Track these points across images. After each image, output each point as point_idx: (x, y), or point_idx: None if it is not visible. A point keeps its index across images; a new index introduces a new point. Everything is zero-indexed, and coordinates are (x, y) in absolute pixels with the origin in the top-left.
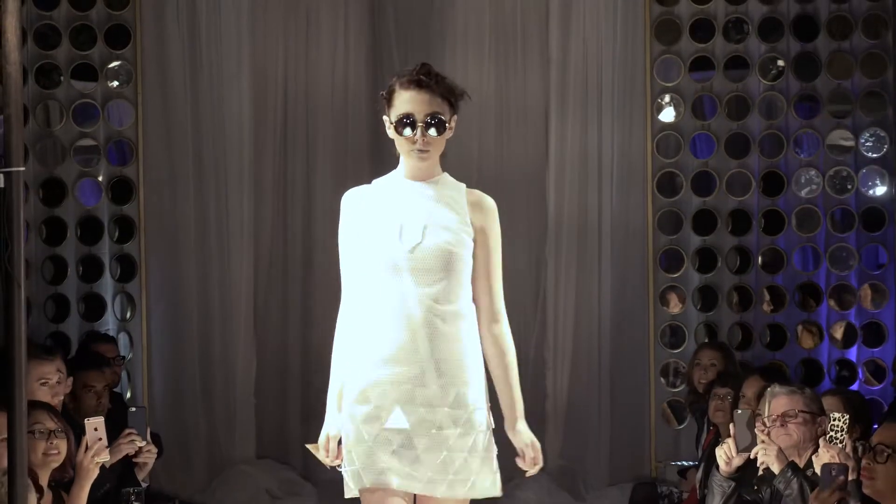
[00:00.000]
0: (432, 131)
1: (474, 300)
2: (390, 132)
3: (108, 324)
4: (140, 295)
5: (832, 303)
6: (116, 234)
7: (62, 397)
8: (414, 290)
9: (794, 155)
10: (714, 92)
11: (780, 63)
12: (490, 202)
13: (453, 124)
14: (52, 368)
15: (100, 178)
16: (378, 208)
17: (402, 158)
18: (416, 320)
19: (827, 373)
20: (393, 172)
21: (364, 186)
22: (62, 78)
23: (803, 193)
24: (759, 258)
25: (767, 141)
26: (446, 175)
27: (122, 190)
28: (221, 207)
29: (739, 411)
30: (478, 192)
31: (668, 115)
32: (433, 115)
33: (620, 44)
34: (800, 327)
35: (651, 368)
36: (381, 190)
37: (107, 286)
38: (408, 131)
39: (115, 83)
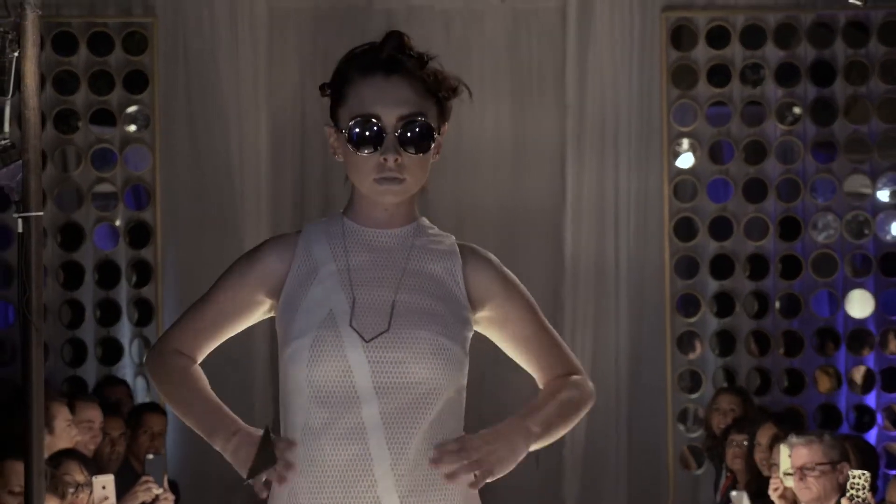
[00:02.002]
0: (410, 146)
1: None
2: (339, 154)
3: (126, 367)
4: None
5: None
6: (134, 278)
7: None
8: (376, 416)
9: (811, 199)
10: (731, 136)
11: (797, 108)
12: (490, 255)
13: (442, 136)
14: (98, 413)
15: (117, 223)
16: (314, 273)
17: (354, 194)
18: (381, 469)
19: (845, 418)
20: (336, 215)
21: (290, 235)
22: (80, 123)
23: (820, 238)
24: (777, 303)
25: (784, 185)
26: (425, 221)
27: (139, 234)
28: (238, 251)
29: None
30: (471, 246)
31: (685, 160)
32: (412, 119)
33: (637, 88)
34: (818, 371)
35: (669, 413)
36: (318, 242)
37: (124, 330)
38: (368, 146)
39: (133, 128)
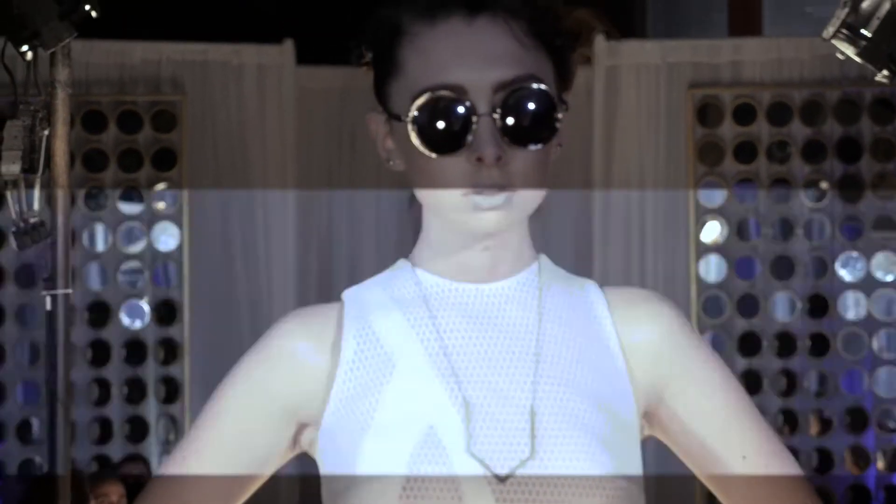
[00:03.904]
0: (521, 135)
1: None
2: (396, 159)
3: (152, 446)
4: (183, 417)
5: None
6: (161, 356)
7: None
8: None
9: (840, 277)
10: (758, 213)
11: (824, 185)
12: (658, 300)
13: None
14: (115, 488)
15: (145, 301)
16: (389, 364)
17: (428, 226)
18: None
19: (875, 498)
20: (402, 268)
21: (324, 308)
22: (109, 200)
23: (849, 316)
24: (805, 381)
25: (812, 263)
26: (546, 261)
27: (166, 312)
28: (266, 329)
29: None
30: (627, 292)
31: (713, 237)
32: (519, 87)
33: (664, 164)
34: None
35: (697, 495)
36: (382, 310)
37: (150, 408)
38: (447, 142)
39: (161, 205)
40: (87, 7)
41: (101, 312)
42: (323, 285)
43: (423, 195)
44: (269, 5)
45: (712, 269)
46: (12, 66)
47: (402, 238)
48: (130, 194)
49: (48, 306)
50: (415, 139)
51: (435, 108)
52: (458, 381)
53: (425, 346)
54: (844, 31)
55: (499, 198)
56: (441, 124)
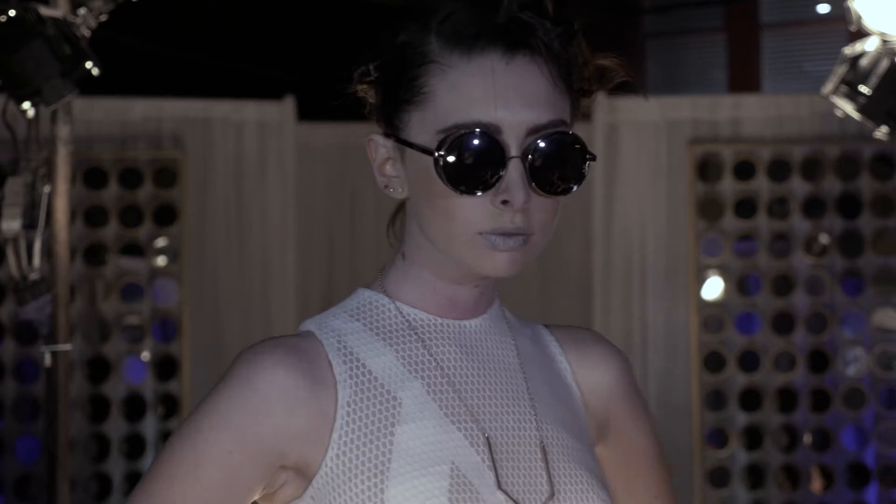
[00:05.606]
0: (553, 181)
1: None
2: (399, 187)
3: None
4: None
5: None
6: (160, 411)
7: None
8: None
9: (840, 332)
10: (758, 269)
11: (824, 241)
12: (616, 349)
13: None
14: None
15: (144, 356)
16: (393, 402)
17: (415, 256)
18: None
19: None
20: (372, 298)
21: (298, 342)
22: (108, 256)
23: (850, 371)
24: (806, 436)
25: (812, 318)
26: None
27: (166, 367)
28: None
29: None
30: (579, 331)
31: (713, 293)
32: (552, 133)
33: (664, 220)
34: None
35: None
36: (369, 345)
37: (149, 464)
38: (481, 181)
39: (161, 261)
40: (88, 65)
41: (100, 368)
42: None
43: (431, 229)
44: (270, 61)
45: (713, 323)
46: (14, 124)
47: None
48: (131, 250)
49: (48, 362)
50: (440, 175)
51: (467, 146)
52: (474, 418)
53: (427, 382)
54: (843, 87)
55: (517, 240)
56: (472, 163)
